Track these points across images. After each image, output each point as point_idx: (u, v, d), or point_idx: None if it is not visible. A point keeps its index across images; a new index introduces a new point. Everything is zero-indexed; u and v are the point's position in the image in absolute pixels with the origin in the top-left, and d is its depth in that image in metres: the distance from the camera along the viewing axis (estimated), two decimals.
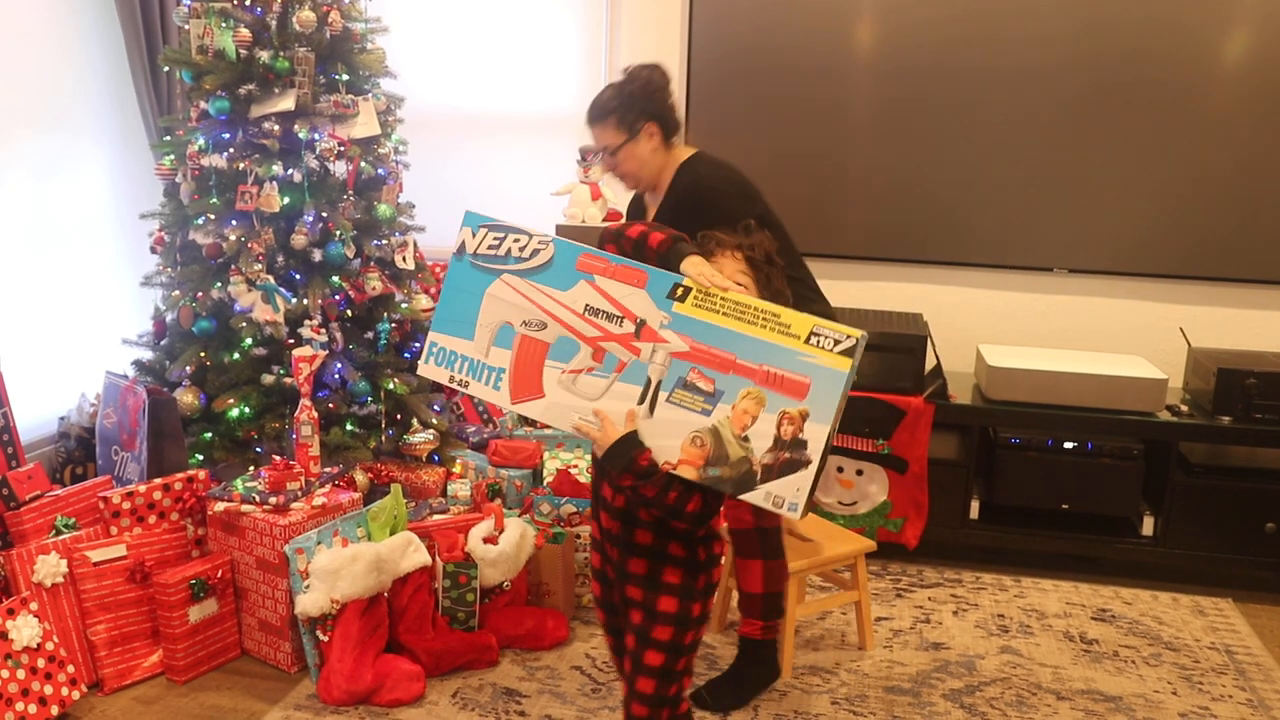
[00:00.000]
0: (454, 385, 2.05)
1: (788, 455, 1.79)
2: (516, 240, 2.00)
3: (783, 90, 4.24)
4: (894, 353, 3.75)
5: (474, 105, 4.62)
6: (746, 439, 1.82)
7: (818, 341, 1.79)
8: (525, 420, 4.05)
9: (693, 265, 1.90)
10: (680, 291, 1.88)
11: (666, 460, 1.86)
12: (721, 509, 2.10)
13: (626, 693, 2.08)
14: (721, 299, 1.86)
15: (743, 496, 1.82)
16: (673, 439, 1.86)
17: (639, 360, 1.89)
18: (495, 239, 2.02)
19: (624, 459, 1.86)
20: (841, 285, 4.34)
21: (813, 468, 1.78)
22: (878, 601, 3.56)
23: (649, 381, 1.88)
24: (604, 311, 1.92)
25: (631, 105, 2.70)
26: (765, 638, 2.94)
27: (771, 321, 1.83)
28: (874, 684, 3.05)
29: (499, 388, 2.00)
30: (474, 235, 2.04)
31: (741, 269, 1.98)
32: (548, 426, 2.98)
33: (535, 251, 1.98)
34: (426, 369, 2.08)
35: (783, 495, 1.80)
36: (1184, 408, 3.75)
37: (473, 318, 2.02)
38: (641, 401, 1.89)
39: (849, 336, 1.78)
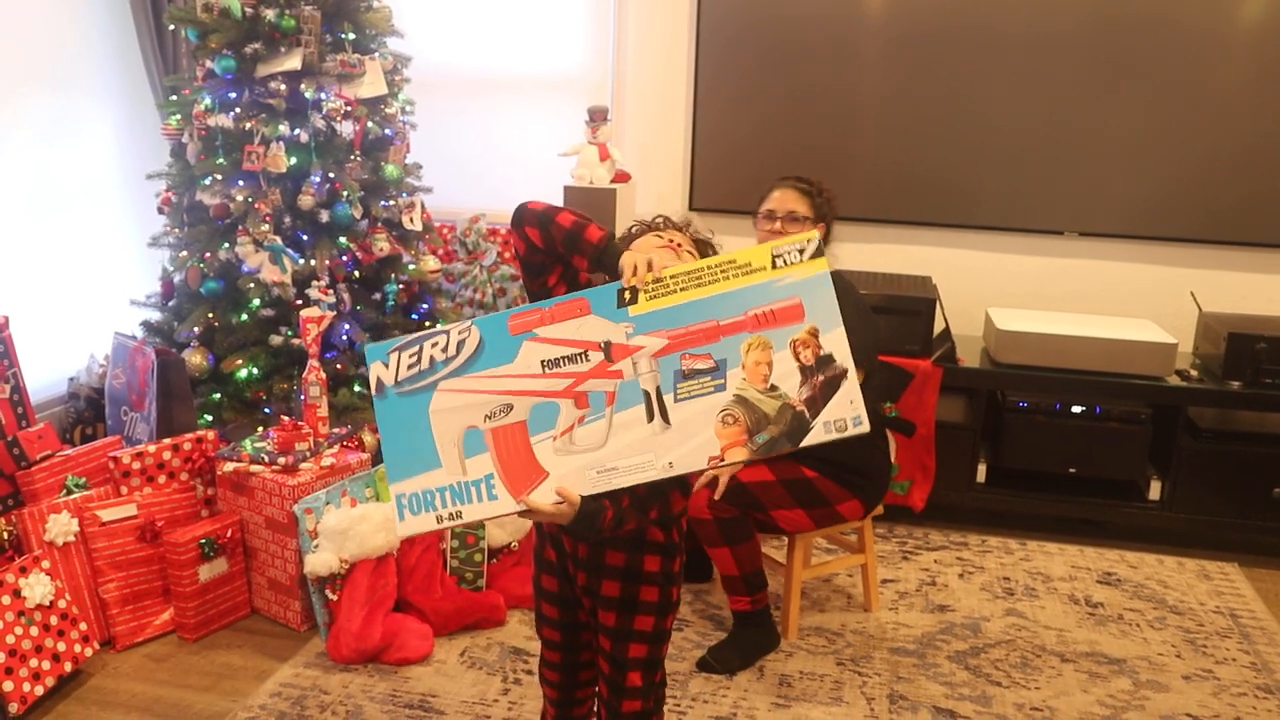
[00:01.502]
0: (446, 524, 1.78)
1: (822, 377, 1.70)
2: (434, 344, 1.80)
3: (792, 51, 4.19)
4: (903, 315, 3.73)
5: (481, 65, 4.58)
6: (774, 388, 1.71)
7: (784, 261, 1.73)
8: None
9: (625, 261, 1.77)
10: (628, 295, 1.76)
11: (711, 455, 1.72)
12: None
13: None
14: (671, 278, 1.75)
15: (804, 443, 1.70)
16: (704, 432, 1.72)
17: (625, 381, 1.74)
18: (412, 356, 1.81)
19: (595, 522, 1.73)
20: (851, 247, 4.31)
21: (852, 374, 1.70)
22: (884, 564, 3.57)
23: (647, 395, 1.74)
24: (562, 357, 1.76)
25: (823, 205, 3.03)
26: (756, 609, 2.96)
27: (731, 269, 1.75)
28: (879, 645, 3.07)
29: (495, 495, 1.75)
30: (387, 366, 1.81)
31: (662, 243, 1.89)
32: None
33: (460, 344, 1.79)
34: (407, 527, 1.78)
35: (842, 416, 1.70)
36: (1193, 372, 3.74)
37: (430, 445, 1.78)
38: (651, 417, 1.73)
39: (809, 240, 1.74)
